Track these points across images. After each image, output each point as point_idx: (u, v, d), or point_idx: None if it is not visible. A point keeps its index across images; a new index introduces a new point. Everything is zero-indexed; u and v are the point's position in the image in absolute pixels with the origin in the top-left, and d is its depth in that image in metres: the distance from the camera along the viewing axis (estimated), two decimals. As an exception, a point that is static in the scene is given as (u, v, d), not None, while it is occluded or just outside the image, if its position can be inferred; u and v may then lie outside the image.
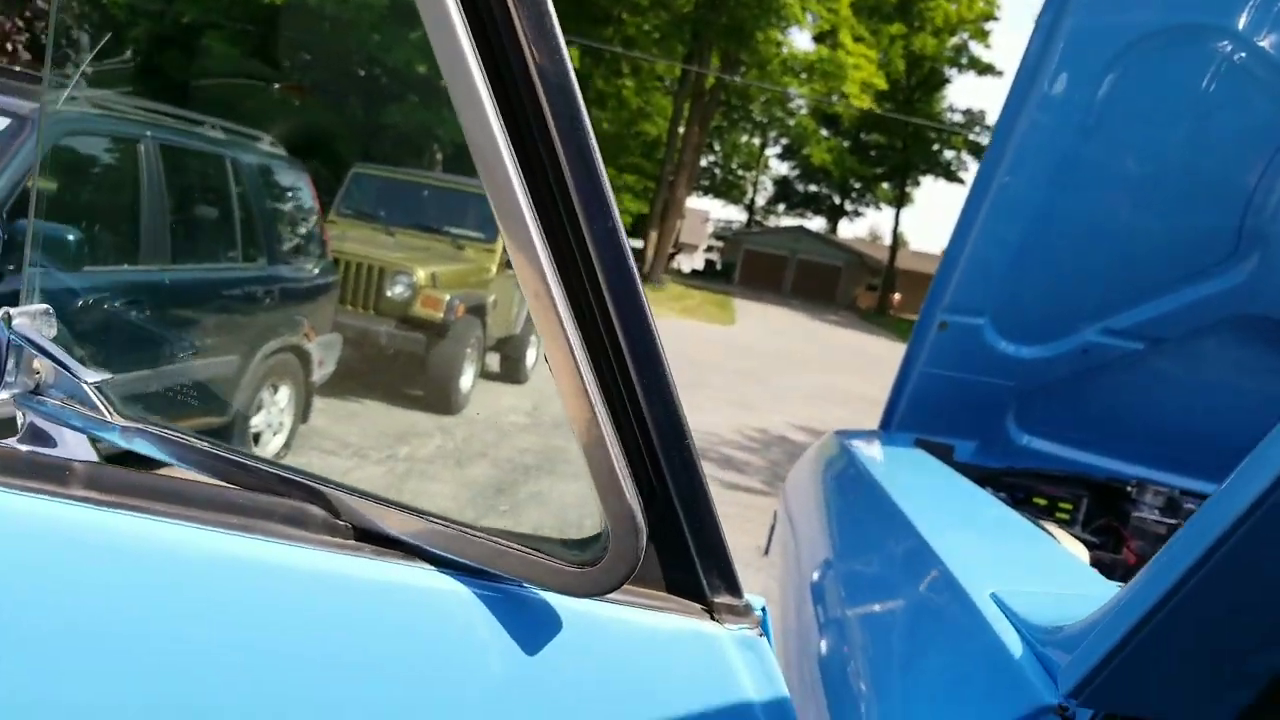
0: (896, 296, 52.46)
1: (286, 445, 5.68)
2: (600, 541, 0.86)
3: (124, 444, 0.88)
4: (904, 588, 1.56)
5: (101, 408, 0.89)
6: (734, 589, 0.92)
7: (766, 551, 2.51)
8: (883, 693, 1.30)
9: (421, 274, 7.62)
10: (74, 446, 0.95)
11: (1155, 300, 2.19)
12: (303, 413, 5.81)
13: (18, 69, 5.70)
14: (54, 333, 0.95)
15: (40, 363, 0.89)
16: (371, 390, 8.04)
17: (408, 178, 10.11)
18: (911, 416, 2.47)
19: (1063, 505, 2.36)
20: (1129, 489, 2.46)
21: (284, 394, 5.58)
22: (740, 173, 60.45)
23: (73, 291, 3.80)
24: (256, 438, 5.42)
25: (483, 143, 0.79)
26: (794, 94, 40.09)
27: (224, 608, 0.84)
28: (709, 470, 8.34)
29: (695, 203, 61.19)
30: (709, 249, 68.76)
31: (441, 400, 7.81)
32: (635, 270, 0.84)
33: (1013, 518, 1.89)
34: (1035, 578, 1.50)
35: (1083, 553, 1.97)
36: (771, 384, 14.55)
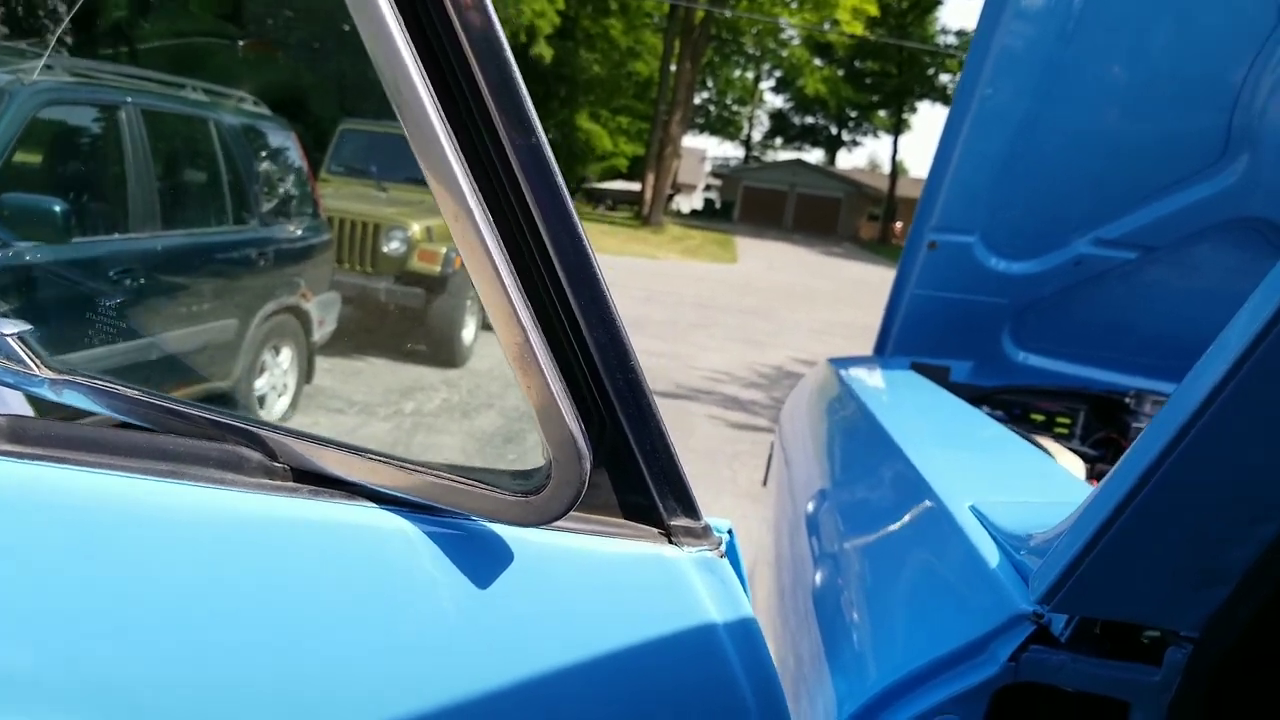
0: (898, 225, 52.03)
1: (292, 406, 5.71)
2: (544, 470, 0.84)
3: (53, 397, 0.86)
4: (890, 510, 1.54)
5: (28, 360, 0.86)
6: (691, 511, 0.90)
7: (765, 483, 2.51)
8: (865, 612, 1.30)
9: (416, 228, 7.59)
10: (9, 402, 0.93)
11: (1146, 208, 2.16)
12: (306, 373, 5.82)
13: (-7, 42, 5.64)
14: None
15: None
16: (374, 347, 8.05)
17: (396, 131, 9.98)
18: (905, 340, 2.46)
19: (1060, 420, 2.35)
20: (1127, 400, 2.45)
21: (286, 355, 5.60)
22: (735, 108, 59.78)
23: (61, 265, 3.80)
24: (261, 400, 5.44)
25: (387, 58, 0.77)
26: (785, 24, 39.43)
27: (157, 557, 0.83)
28: (717, 410, 8.38)
29: (691, 141, 60.66)
30: (707, 188, 68.20)
31: (444, 353, 7.83)
32: (564, 188, 0.81)
33: (1004, 434, 1.87)
34: (1018, 490, 1.49)
35: (1079, 466, 1.96)
36: (777, 320, 14.53)
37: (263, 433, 0.87)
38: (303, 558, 0.84)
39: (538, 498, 0.82)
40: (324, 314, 6.04)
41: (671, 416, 7.49)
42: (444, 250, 7.57)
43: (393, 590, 0.84)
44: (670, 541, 0.88)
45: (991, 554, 1.14)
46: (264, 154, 5.65)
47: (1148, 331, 2.48)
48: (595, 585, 0.87)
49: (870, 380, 2.25)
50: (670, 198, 39.98)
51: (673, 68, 33.96)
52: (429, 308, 7.62)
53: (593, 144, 46.21)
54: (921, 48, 42.89)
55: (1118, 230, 2.22)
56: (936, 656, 1.04)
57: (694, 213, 56.11)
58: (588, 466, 0.82)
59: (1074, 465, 1.99)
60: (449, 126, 0.78)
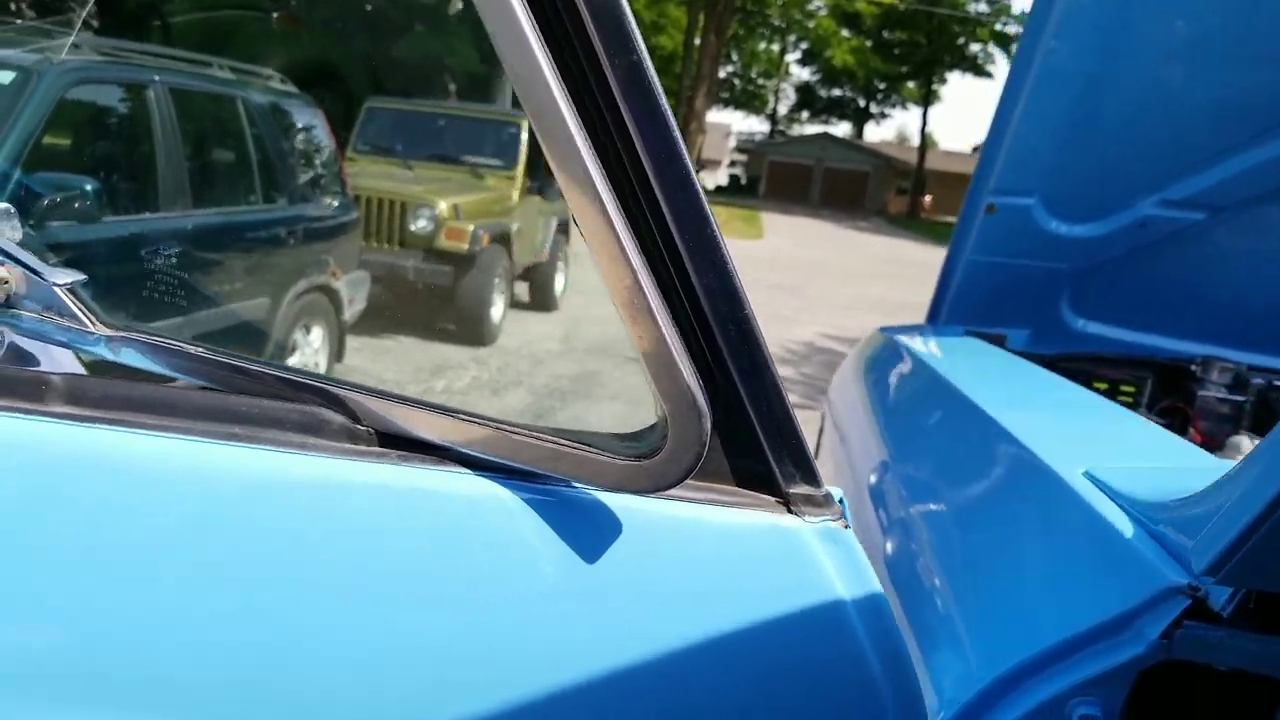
0: (927, 199, 51.50)
1: (323, 385, 5.71)
2: (658, 431, 0.76)
3: (110, 355, 0.79)
4: (980, 477, 1.45)
5: (81, 317, 0.79)
6: (811, 477, 0.81)
7: (815, 456, 2.44)
8: (969, 587, 1.21)
9: (443, 206, 7.56)
10: (62, 363, 0.88)
11: (1215, 167, 2.07)
12: (337, 352, 5.82)
13: (19, 21, 5.63)
14: (18, 236, 0.83)
15: (8, 270, 0.78)
16: (403, 326, 8.04)
17: (422, 109, 9.96)
18: (960, 307, 2.35)
19: (1124, 387, 2.27)
20: (1193, 368, 2.38)
21: (317, 334, 5.59)
22: (760, 82, 59.20)
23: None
24: (293, 380, 5.45)
25: None
26: (811, -5, 38.99)
27: (233, 526, 0.77)
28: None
29: (715, 116, 60.15)
30: (732, 164, 67.77)
31: (473, 331, 7.81)
32: (671, 118, 0.72)
33: (1088, 396, 1.79)
34: (1126, 454, 1.40)
35: None
36: (805, 296, 14.39)
37: (343, 392, 0.80)
38: (391, 528, 0.77)
39: (651, 462, 0.74)
40: (354, 292, 6.02)
41: (702, 393, 7.42)
42: (471, 228, 7.54)
43: (490, 564, 0.78)
44: (789, 511, 0.81)
45: (1123, 524, 1.06)
46: (292, 132, 5.62)
47: (1214, 297, 2.39)
48: (710, 558, 0.79)
49: (932, 348, 2.17)
50: (695, 174, 39.71)
51: (697, 41, 33.67)
52: (457, 285, 7.59)
53: (617, 119, 45.92)
54: (952, 14, 42.25)
55: (1185, 190, 2.13)
56: (1070, 635, 0.96)
57: (719, 189, 55.81)
58: (708, 426, 0.74)
59: None
60: (544, 42, 0.69)
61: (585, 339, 8.93)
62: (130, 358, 0.80)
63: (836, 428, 2.31)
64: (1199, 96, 2.01)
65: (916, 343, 2.24)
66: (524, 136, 9.05)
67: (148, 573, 0.75)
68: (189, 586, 0.75)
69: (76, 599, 0.74)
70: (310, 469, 0.77)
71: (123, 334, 0.80)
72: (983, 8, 49.29)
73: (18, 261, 0.78)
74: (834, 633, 0.78)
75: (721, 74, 45.66)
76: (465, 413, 0.79)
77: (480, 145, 9.33)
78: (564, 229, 10.51)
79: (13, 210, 0.83)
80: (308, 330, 5.50)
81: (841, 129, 63.00)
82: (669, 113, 0.71)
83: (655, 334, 0.73)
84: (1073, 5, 1.83)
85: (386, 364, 7.03)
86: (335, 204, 5.92)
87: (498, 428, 0.78)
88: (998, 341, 2.27)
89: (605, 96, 0.70)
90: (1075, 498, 1.15)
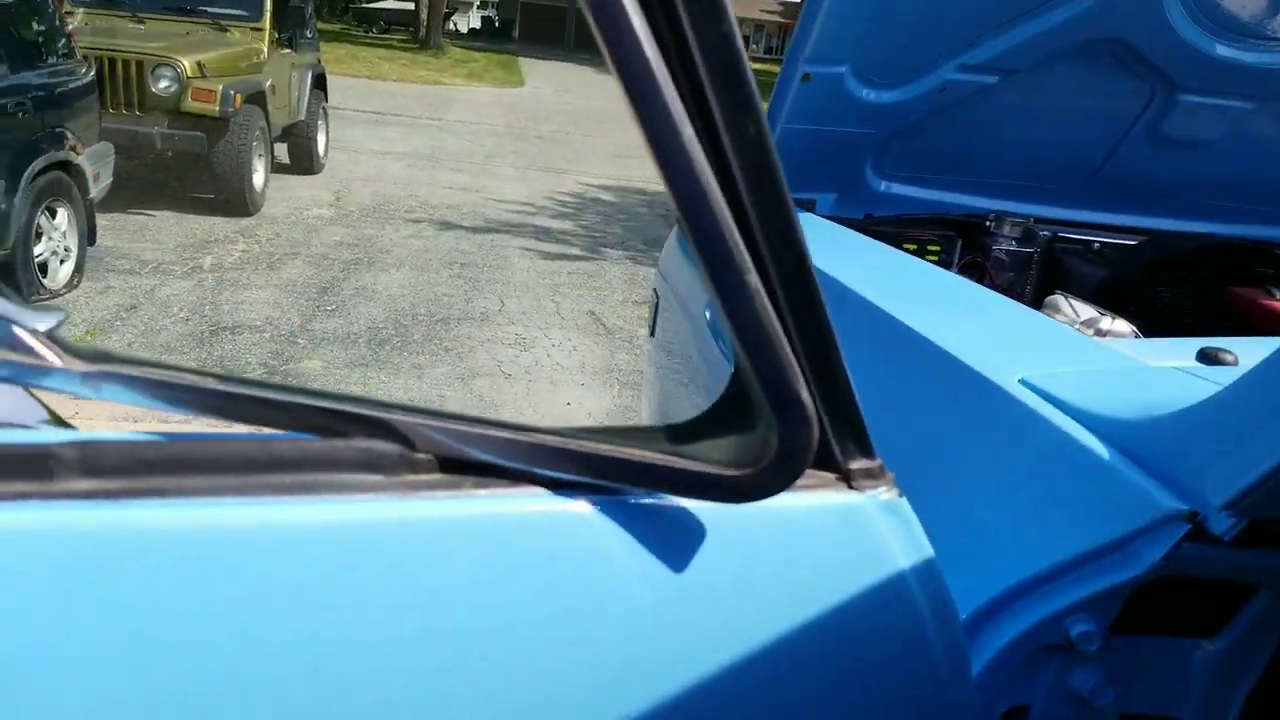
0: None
1: (77, 270, 5.20)
2: (758, 435, 0.71)
3: (90, 394, 0.65)
4: (904, 387, 1.38)
5: (44, 351, 0.62)
6: (867, 450, 0.78)
7: (652, 333, 2.48)
8: (934, 508, 1.15)
9: (186, 64, 6.85)
10: (15, 411, 0.68)
11: (1010, 32, 2.17)
12: (89, 234, 5.29)
13: None
14: None
15: None
16: (157, 199, 7.38)
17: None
18: None
19: (931, 247, 2.44)
20: (988, 223, 2.53)
21: (62, 216, 5.05)
22: (507, -84, 56.27)
23: None
24: (44, 268, 4.93)
25: None
26: None
27: (305, 598, 0.67)
28: (530, 243, 8.30)
29: (463, -46, 56.93)
30: (482, 4, 64.81)
31: (236, 201, 7.28)
32: (752, 79, 0.66)
33: (944, 276, 1.84)
34: (1045, 354, 1.34)
35: (1125, 327, 1.94)
36: (574, 145, 14.30)
37: (390, 417, 0.69)
38: (470, 566, 0.71)
39: (754, 471, 0.70)
40: (98, 167, 5.45)
41: (487, 253, 7.37)
42: (220, 87, 6.90)
43: (580, 587, 0.73)
44: (850, 486, 0.78)
45: (1094, 446, 1.04)
46: (0, -17, 4.88)
47: (1004, 155, 2.52)
48: (787, 545, 0.78)
49: None
50: (447, 17, 37.78)
51: None
52: (212, 152, 6.99)
53: (358, -42, 42.70)
54: None
55: (982, 55, 2.22)
56: (1066, 558, 0.97)
57: (472, 32, 53.40)
58: (815, 431, 0.70)
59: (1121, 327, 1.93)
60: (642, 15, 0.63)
61: (356, 202, 8.55)
62: (115, 394, 0.66)
63: (676, 297, 2.33)
64: None
65: None
66: (269, -20, 8.27)
67: (209, 667, 0.65)
68: (265, 671, 0.66)
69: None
70: (378, 512, 0.68)
71: (101, 367, 0.65)
72: None
73: None
74: (897, 602, 0.79)
75: (466, -93, 42.88)
76: (532, 426, 0.72)
77: (219, -8, 8.46)
78: (320, 83, 9.82)
79: None
80: (52, 214, 4.95)
81: (593, -32, 61.22)
82: (752, 80, 0.66)
83: (763, 330, 0.68)
84: None
85: (145, 243, 6.46)
86: (64, 68, 5.25)
87: (578, 443, 0.71)
88: (808, 206, 2.38)
89: (692, 73, 0.65)
90: (1028, 413, 1.13)
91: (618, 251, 7.95)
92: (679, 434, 0.77)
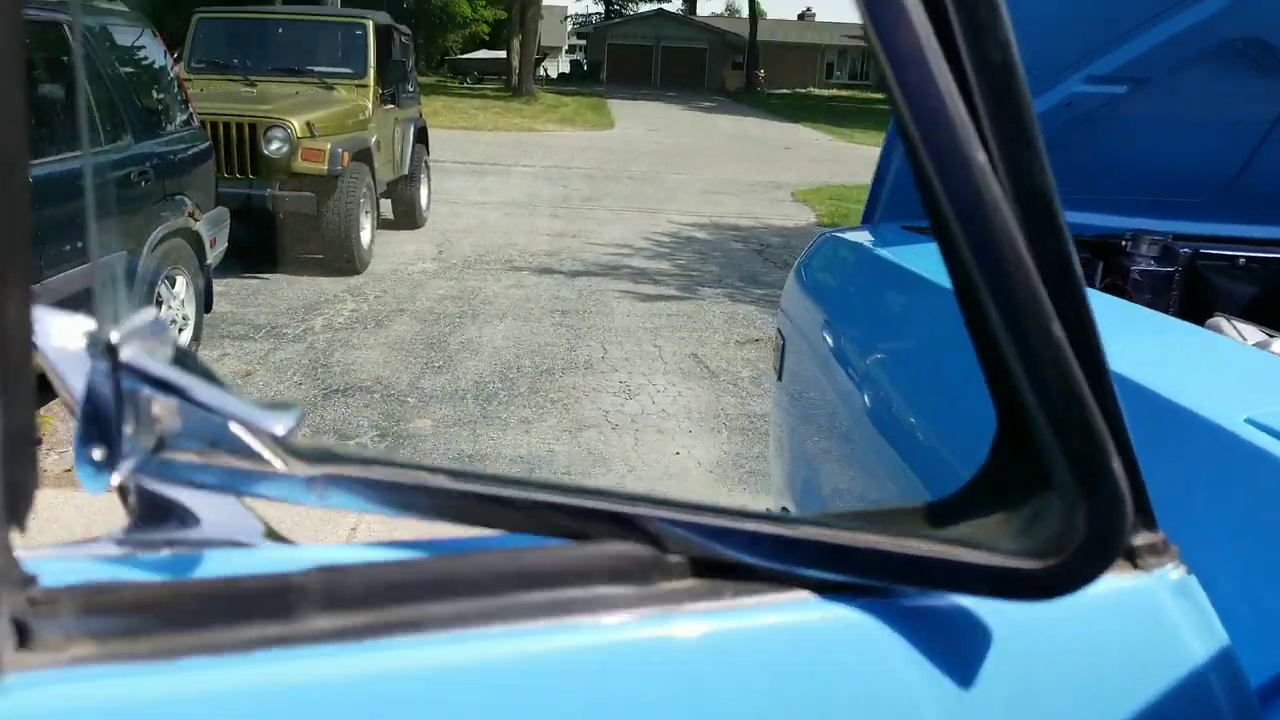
0: (760, 73, 51.64)
1: (195, 338, 5.34)
2: (1052, 514, 0.62)
3: (315, 501, 0.56)
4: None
5: (264, 452, 0.54)
6: (1150, 521, 0.69)
7: (780, 376, 2.35)
8: None
9: (296, 124, 7.01)
10: (233, 523, 0.57)
11: (1138, 38, 2.04)
12: (205, 300, 5.42)
13: None
14: (170, 352, 0.53)
15: (161, 403, 0.53)
16: (269, 262, 7.56)
17: (256, 15, 9.17)
18: (895, 204, 2.26)
19: None
20: (1124, 243, 2.38)
21: (181, 284, 5.18)
22: (592, -39, 57.40)
23: None
24: (166, 334, 5.07)
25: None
26: None
27: None
28: (629, 285, 8.29)
29: (551, 0, 58.25)
30: (571, 49, 66.07)
31: (344, 259, 7.42)
32: (1029, 99, 0.58)
33: (1121, 305, 1.67)
34: (1247, 382, 1.20)
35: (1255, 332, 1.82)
36: (666, 185, 14.33)
37: (637, 512, 0.61)
38: (743, 686, 0.61)
39: (1061, 561, 0.60)
40: (214, 233, 5.61)
41: (587, 299, 7.36)
42: (328, 146, 7.06)
43: (866, 711, 0.63)
44: (1135, 565, 0.69)
45: None
46: (126, 56, 5.07)
47: (1137, 168, 2.38)
48: (1079, 641, 0.67)
49: (896, 248, 2.06)
50: (538, 64, 38.54)
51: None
52: (322, 211, 7.14)
53: (450, 10, 43.98)
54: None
55: (1110, 65, 2.09)
56: None
57: (562, 76, 54.49)
58: (1130, 514, 0.60)
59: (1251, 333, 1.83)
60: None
61: (459, 254, 8.66)
62: (341, 500, 0.57)
63: (805, 338, 2.20)
64: None
65: (876, 245, 2.15)
66: (371, 38, 8.46)
67: None
68: None
69: None
70: (626, 632, 0.60)
71: (325, 469, 0.56)
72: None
73: (198, 404, 0.52)
74: (1195, 699, 0.69)
75: (553, -45, 43.87)
76: (798, 519, 0.64)
77: (325, 52, 8.67)
78: (422, 137, 10.00)
79: (163, 320, 0.54)
80: (171, 282, 5.09)
81: (675, 4, 62.11)
82: (1029, 100, 0.59)
83: (1071, 392, 0.59)
84: None
85: (257, 307, 6.63)
86: (184, 134, 5.44)
87: (846, 535, 0.63)
88: (928, 232, 2.21)
89: (970, 98, 0.58)
90: (1257, 452, 0.98)
91: (715, 290, 7.86)
92: (943, 514, 0.67)
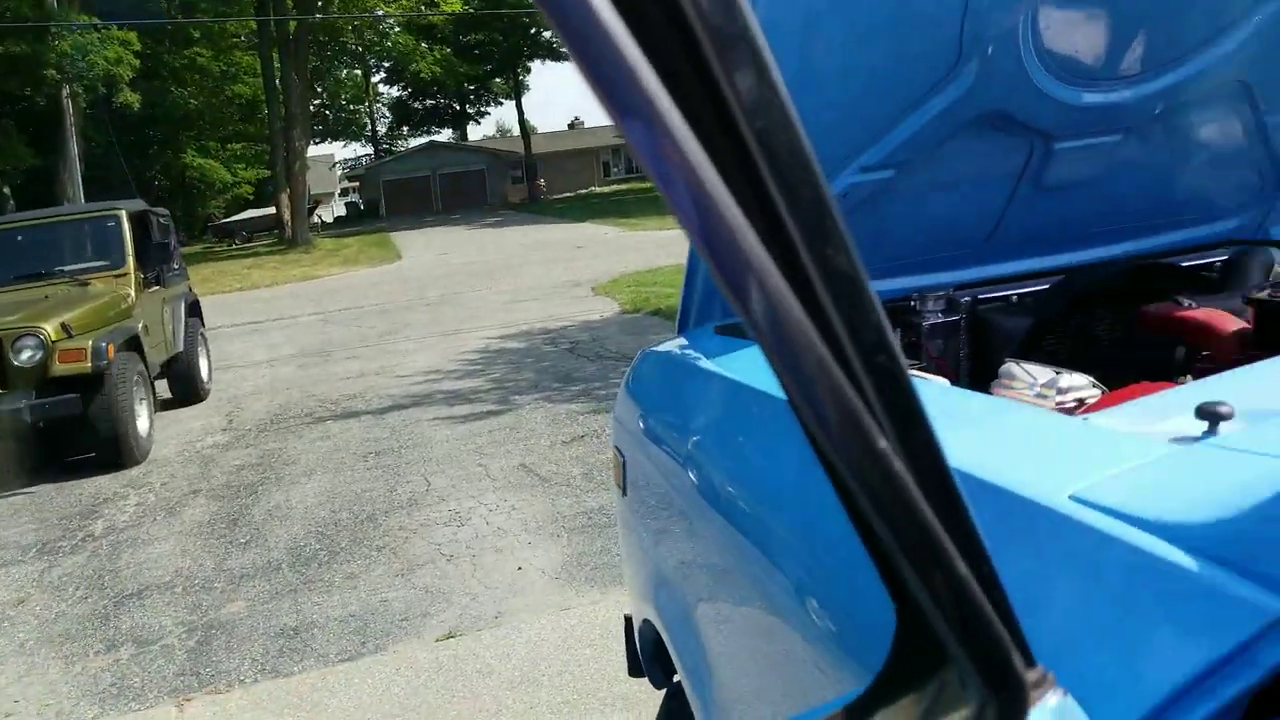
0: (540, 181, 53.02)
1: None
2: (951, 690, 0.56)
3: None
4: None
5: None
6: (1029, 657, 0.64)
7: (624, 492, 2.31)
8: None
9: (49, 328, 6.60)
10: None
11: (899, 128, 2.19)
12: (-39, 532, 4.81)
13: None
14: None
15: None
16: (34, 475, 6.86)
17: (-5, 227, 8.65)
18: (705, 310, 2.35)
19: None
20: (912, 303, 2.50)
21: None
22: (353, 108, 57.56)
23: None
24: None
25: None
26: (381, 15, 38.41)
27: None
28: (444, 410, 7.99)
29: (316, 150, 57.95)
30: (344, 193, 65.73)
31: (122, 453, 6.83)
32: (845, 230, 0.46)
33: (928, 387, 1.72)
34: (1079, 457, 1.19)
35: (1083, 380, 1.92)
36: (465, 303, 14.17)
37: None
38: None
39: None
40: (-36, 457, 5.02)
41: (401, 434, 7.05)
42: (90, 343, 6.60)
43: None
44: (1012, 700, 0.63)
45: (1174, 555, 0.91)
46: None
47: (914, 234, 2.51)
48: None
49: (716, 357, 2.06)
50: (311, 212, 37.99)
51: (278, 82, 32.02)
52: (90, 409, 6.61)
53: (209, 178, 43.09)
54: (518, 11, 43.17)
55: (878, 155, 2.21)
56: (1175, 686, 0.84)
57: (339, 220, 54.11)
58: (1030, 703, 0.56)
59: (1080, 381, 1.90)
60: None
61: (251, 418, 8.17)
62: None
63: (644, 453, 2.20)
64: (881, 69, 2.12)
65: (695, 355, 2.17)
66: (125, 227, 8.11)
67: None
68: None
69: None
70: None
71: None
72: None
73: None
74: None
75: (311, 108, 43.73)
76: None
77: (77, 250, 8.31)
78: (194, 310, 9.56)
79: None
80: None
81: (446, 134, 63.10)
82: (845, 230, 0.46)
83: (953, 581, 0.50)
84: (765, 19, 1.77)
85: (24, 526, 5.95)
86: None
87: None
88: (740, 330, 2.26)
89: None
90: (1097, 534, 0.98)
91: (533, 396, 7.71)
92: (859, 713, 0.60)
